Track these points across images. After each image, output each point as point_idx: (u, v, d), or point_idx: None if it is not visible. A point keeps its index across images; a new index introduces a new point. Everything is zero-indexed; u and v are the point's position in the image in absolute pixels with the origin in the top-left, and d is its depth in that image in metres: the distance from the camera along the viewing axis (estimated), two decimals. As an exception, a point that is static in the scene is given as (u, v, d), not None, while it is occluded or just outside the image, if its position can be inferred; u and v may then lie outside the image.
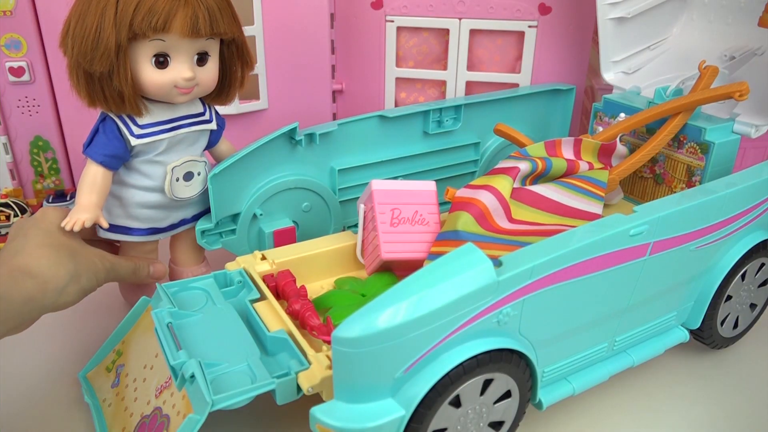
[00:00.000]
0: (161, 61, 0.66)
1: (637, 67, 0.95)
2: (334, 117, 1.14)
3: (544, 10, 0.99)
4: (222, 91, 0.76)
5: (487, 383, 0.55)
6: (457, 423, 0.55)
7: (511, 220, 0.71)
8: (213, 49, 0.70)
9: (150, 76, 0.66)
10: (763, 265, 0.74)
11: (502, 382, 0.56)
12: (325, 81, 1.07)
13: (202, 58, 0.69)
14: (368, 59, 1.06)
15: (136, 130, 0.69)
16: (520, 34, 1.01)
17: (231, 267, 0.71)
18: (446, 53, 1.03)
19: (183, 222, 0.79)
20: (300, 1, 1.00)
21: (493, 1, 0.99)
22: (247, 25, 0.99)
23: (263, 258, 0.73)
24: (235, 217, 0.80)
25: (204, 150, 0.77)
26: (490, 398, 0.57)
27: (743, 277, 0.73)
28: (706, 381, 0.74)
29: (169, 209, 0.75)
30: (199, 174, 0.75)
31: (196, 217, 0.80)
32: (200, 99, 0.75)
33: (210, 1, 0.66)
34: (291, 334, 0.61)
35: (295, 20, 1.01)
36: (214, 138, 0.78)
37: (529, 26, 1.00)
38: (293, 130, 0.80)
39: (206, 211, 0.79)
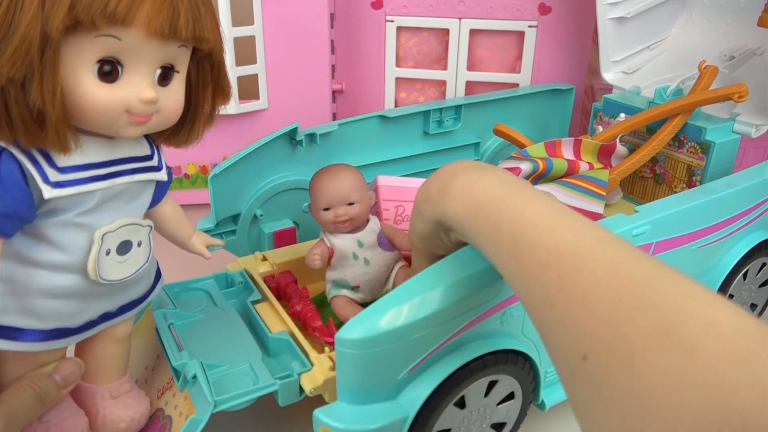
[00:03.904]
0: (107, 71, 0.44)
1: (637, 67, 0.95)
2: (334, 117, 1.14)
3: (544, 10, 0.99)
4: (182, 127, 0.53)
5: (492, 385, 0.55)
6: (461, 424, 0.55)
7: (512, 220, 0.71)
8: (182, 63, 0.49)
9: (91, 91, 0.43)
10: (764, 264, 0.74)
11: (506, 383, 0.56)
12: (325, 81, 1.07)
13: (165, 74, 0.47)
14: (368, 59, 1.06)
15: (54, 175, 0.45)
16: (520, 34, 1.01)
17: (232, 268, 0.71)
18: (446, 53, 1.03)
19: (105, 317, 0.53)
20: (300, 1, 1.00)
21: (493, 1, 0.99)
22: (247, 25, 0.99)
23: (264, 259, 0.73)
24: (235, 218, 0.80)
25: (146, 209, 0.55)
26: (493, 399, 0.57)
27: (744, 276, 0.73)
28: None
29: (87, 299, 0.50)
30: (140, 245, 0.52)
31: (123, 309, 0.55)
32: (146, 136, 0.53)
33: None
34: (293, 336, 0.61)
35: (295, 20, 1.01)
36: (159, 193, 0.56)
37: (529, 26, 1.00)
38: (294, 131, 0.80)
39: (143, 299, 0.57)
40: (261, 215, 0.80)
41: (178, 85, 0.49)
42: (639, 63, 0.95)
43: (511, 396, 0.58)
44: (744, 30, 0.88)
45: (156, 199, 0.56)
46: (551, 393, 0.62)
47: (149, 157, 0.52)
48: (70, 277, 0.48)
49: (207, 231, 0.78)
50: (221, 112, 1.13)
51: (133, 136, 0.48)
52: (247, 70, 1.01)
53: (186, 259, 0.97)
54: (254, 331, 0.63)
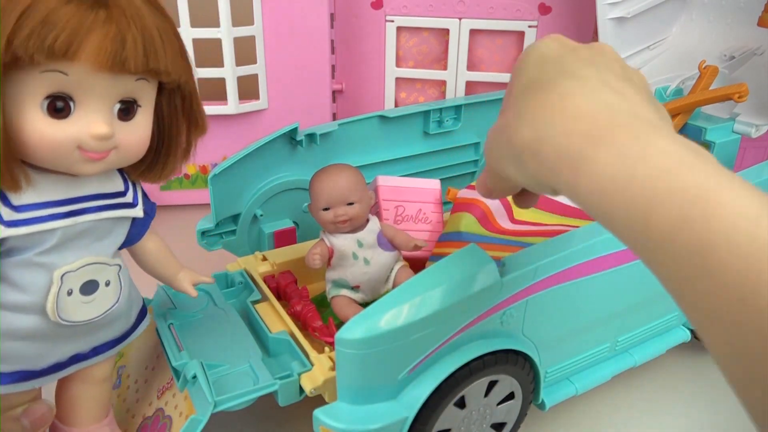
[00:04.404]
0: (59, 107, 0.42)
1: (637, 67, 0.95)
2: (334, 117, 1.14)
3: (544, 10, 0.99)
4: (156, 162, 0.51)
5: (492, 385, 0.55)
6: (461, 424, 0.55)
7: (513, 220, 0.71)
8: (145, 97, 0.47)
9: (38, 128, 0.42)
10: (764, 264, 0.74)
11: (506, 383, 0.56)
12: (325, 81, 1.07)
13: (127, 109, 0.45)
14: (368, 59, 1.06)
15: (8, 214, 0.44)
16: (520, 34, 1.01)
17: (232, 268, 0.71)
18: (446, 53, 1.03)
19: (76, 359, 0.51)
20: (300, 1, 1.00)
21: (493, 1, 0.99)
22: (247, 25, 0.99)
23: (264, 259, 0.73)
24: (235, 218, 0.80)
25: (120, 248, 0.52)
26: (494, 400, 0.57)
27: (744, 276, 0.73)
28: (707, 380, 0.74)
29: (51, 340, 0.49)
30: (107, 284, 0.50)
31: (98, 350, 0.52)
32: (121, 172, 0.51)
33: (147, 22, 0.43)
34: (293, 336, 0.61)
35: (295, 20, 1.01)
36: (137, 230, 0.53)
37: (529, 26, 1.00)
38: (294, 131, 0.80)
39: (121, 339, 0.55)
40: (261, 215, 0.80)
41: (142, 119, 0.47)
42: (639, 63, 0.95)
43: (511, 396, 0.58)
44: (744, 30, 0.88)
45: (134, 236, 0.53)
46: (551, 393, 0.62)
47: (121, 194, 0.50)
48: (31, 318, 0.46)
49: (207, 231, 0.78)
50: (221, 113, 1.13)
51: (91, 173, 0.46)
52: (247, 70, 1.01)
53: (186, 259, 0.96)
54: (254, 331, 0.63)
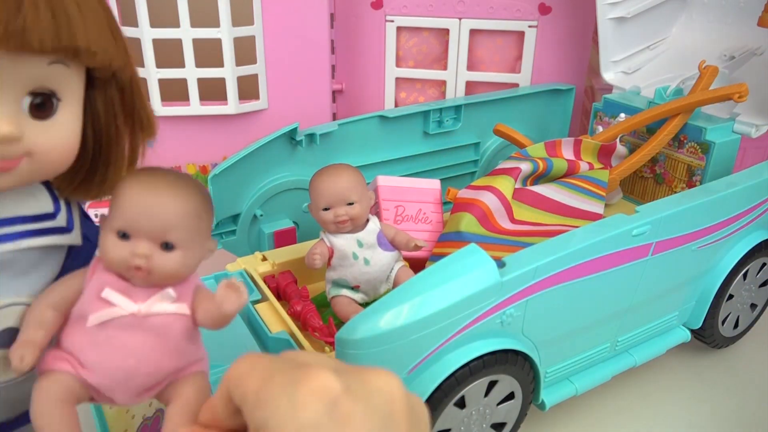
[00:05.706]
0: None
1: (637, 67, 0.95)
2: (334, 117, 1.14)
3: (544, 10, 0.99)
4: (93, 174, 0.40)
5: (492, 385, 0.55)
6: (461, 424, 0.55)
7: (513, 220, 0.71)
8: (68, 88, 0.35)
9: None
10: (764, 264, 0.74)
11: (506, 383, 0.56)
12: (325, 81, 1.07)
13: (42, 104, 0.34)
14: (368, 59, 1.06)
15: None
16: (520, 34, 1.01)
17: (232, 268, 0.71)
18: (446, 53, 1.03)
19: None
20: (300, 1, 1.00)
21: (493, 1, 0.99)
22: (247, 25, 0.99)
23: (264, 259, 0.73)
24: (235, 218, 0.80)
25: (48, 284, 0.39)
26: (494, 399, 0.57)
27: (745, 276, 0.73)
28: (707, 380, 0.74)
29: None
30: None
31: (20, 421, 0.41)
32: (48, 187, 0.39)
33: None
34: (293, 336, 0.61)
35: (295, 20, 1.01)
36: (75, 263, 0.40)
37: (529, 26, 1.00)
38: (294, 131, 0.80)
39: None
40: (261, 215, 0.80)
41: (66, 118, 0.36)
42: (639, 63, 0.95)
43: (511, 396, 0.58)
44: (744, 30, 0.88)
45: (67, 270, 0.40)
46: (551, 393, 0.62)
47: (50, 216, 0.38)
48: None
49: (207, 231, 0.77)
50: (221, 113, 1.13)
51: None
52: (247, 70, 1.01)
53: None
54: (254, 331, 0.63)
